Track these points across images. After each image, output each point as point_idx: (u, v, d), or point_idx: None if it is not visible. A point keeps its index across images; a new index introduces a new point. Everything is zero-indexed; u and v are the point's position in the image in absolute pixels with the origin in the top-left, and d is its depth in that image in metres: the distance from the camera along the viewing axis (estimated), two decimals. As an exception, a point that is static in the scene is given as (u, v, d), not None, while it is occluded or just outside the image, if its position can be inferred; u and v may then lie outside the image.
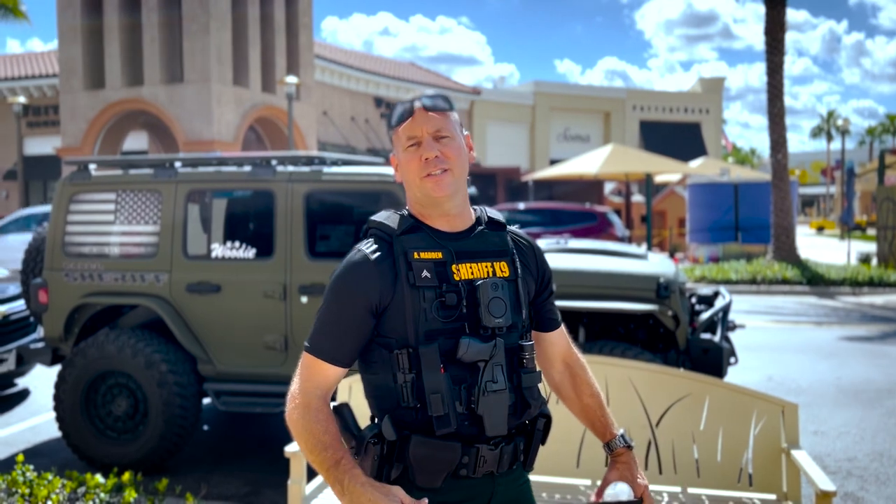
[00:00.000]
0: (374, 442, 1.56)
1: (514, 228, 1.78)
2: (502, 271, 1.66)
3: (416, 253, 1.60)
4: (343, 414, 1.61)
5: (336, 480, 1.52)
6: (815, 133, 67.46)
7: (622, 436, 1.80)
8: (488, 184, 28.21)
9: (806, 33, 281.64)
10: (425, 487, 1.59)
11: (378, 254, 1.61)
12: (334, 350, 1.62)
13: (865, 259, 18.18)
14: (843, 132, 38.83)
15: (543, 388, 1.79)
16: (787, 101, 18.68)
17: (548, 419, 1.71)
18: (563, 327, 1.88)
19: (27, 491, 3.21)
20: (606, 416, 1.83)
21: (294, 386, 1.64)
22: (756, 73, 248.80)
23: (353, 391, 3.48)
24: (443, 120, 1.63)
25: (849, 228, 21.84)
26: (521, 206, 16.90)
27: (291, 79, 19.62)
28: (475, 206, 1.76)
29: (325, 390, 1.63)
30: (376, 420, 1.63)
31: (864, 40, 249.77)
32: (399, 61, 38.82)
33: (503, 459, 1.62)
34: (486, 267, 1.65)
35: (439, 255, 1.61)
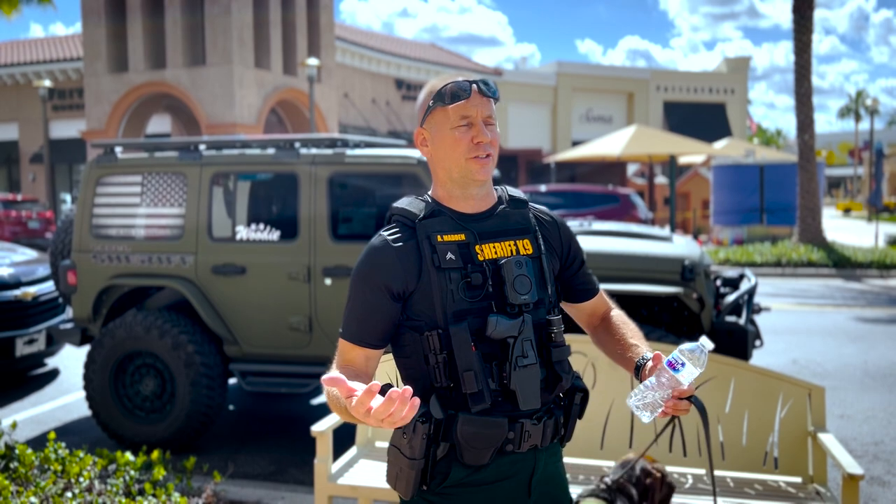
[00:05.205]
0: (423, 421, 1.57)
1: (536, 205, 1.80)
2: (525, 249, 1.69)
3: (439, 236, 1.63)
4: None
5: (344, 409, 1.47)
6: (843, 113, 66.22)
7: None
8: (510, 165, 28.08)
9: (834, 10, 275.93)
10: (472, 464, 1.61)
11: (400, 239, 1.64)
12: (362, 333, 1.64)
13: (893, 241, 17.89)
14: (872, 112, 38.11)
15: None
16: (814, 80, 18.34)
17: (585, 393, 1.72)
18: (601, 293, 1.88)
19: (59, 468, 3.28)
20: (640, 346, 1.70)
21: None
22: (782, 53, 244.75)
23: (377, 377, 3.50)
24: (492, 106, 1.67)
25: (877, 210, 21.47)
26: (543, 188, 16.80)
27: (312, 61, 19.59)
28: (497, 187, 1.79)
29: (356, 369, 1.65)
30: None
31: (893, 18, 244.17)
32: (419, 42, 38.61)
33: (546, 433, 1.65)
34: (510, 245, 1.68)
35: (462, 236, 1.64)
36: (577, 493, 2.93)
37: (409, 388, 1.32)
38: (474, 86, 1.65)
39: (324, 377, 1.39)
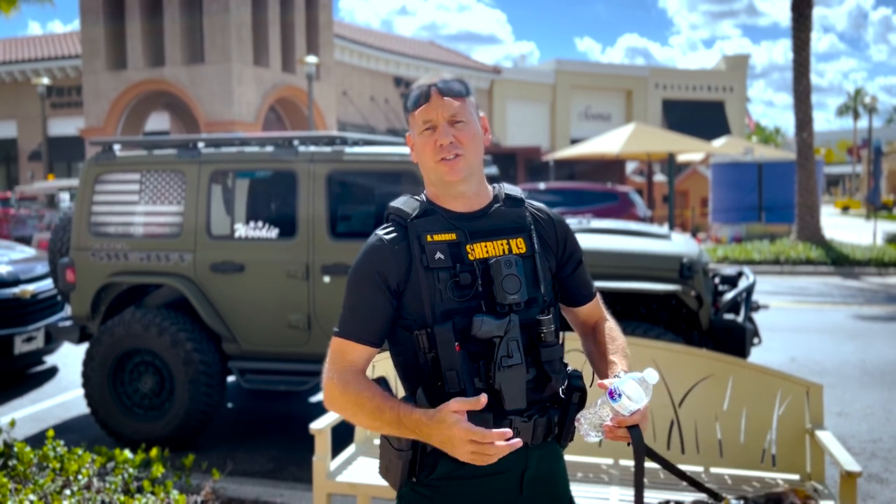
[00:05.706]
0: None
1: (533, 203, 1.78)
2: (518, 248, 1.68)
3: (428, 236, 1.63)
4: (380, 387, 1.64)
5: (409, 432, 1.55)
6: (842, 111, 66.30)
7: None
8: (508, 163, 28.04)
9: (832, 8, 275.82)
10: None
11: (394, 238, 1.65)
12: (359, 330, 1.65)
13: (892, 239, 17.91)
14: (871, 110, 38.15)
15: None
16: (813, 78, 18.36)
17: (583, 392, 1.71)
18: (597, 298, 1.87)
19: (58, 465, 3.28)
20: (617, 364, 1.70)
21: (326, 372, 1.67)
22: (781, 50, 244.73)
23: (376, 370, 3.50)
24: (458, 105, 1.65)
25: (875, 208, 21.49)
26: (542, 185, 16.78)
27: (311, 58, 19.55)
28: (494, 185, 1.77)
29: (356, 367, 1.66)
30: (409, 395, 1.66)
31: (892, 16, 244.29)
32: (418, 40, 38.60)
33: (537, 431, 1.65)
34: (502, 245, 1.67)
35: (453, 236, 1.65)
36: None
37: (508, 431, 1.46)
38: (433, 88, 1.65)
39: (453, 403, 1.46)
